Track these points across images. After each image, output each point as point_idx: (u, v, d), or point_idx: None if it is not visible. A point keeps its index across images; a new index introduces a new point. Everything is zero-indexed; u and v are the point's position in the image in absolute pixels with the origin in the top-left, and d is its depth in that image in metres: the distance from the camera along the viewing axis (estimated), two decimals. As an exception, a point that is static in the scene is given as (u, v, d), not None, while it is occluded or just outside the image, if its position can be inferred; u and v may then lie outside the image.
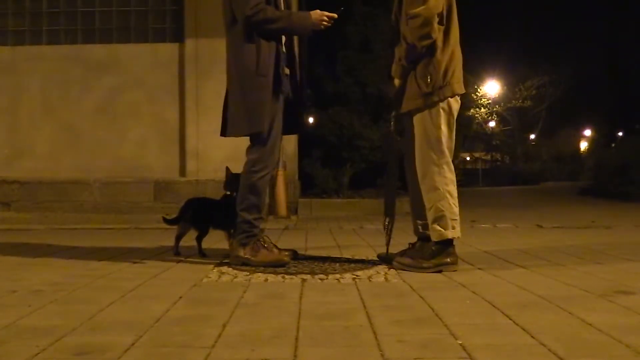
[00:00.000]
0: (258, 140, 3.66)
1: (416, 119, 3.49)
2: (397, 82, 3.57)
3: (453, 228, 3.42)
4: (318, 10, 3.68)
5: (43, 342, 1.99)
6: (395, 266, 3.51)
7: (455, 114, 3.51)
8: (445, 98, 3.43)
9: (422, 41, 3.34)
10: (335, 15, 3.68)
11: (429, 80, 3.39)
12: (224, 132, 3.78)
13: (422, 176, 3.48)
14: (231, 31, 3.67)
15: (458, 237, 3.47)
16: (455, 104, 3.50)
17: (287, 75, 3.78)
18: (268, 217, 4.15)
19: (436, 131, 3.43)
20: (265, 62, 3.59)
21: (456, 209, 3.45)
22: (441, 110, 3.43)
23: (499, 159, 40.65)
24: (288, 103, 3.83)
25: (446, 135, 3.45)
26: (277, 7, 3.65)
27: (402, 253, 3.61)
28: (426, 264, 3.42)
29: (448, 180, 3.44)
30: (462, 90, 3.51)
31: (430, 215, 3.46)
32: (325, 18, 3.66)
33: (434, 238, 3.45)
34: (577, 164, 35.50)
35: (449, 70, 3.42)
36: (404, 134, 3.74)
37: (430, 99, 3.41)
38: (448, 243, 3.45)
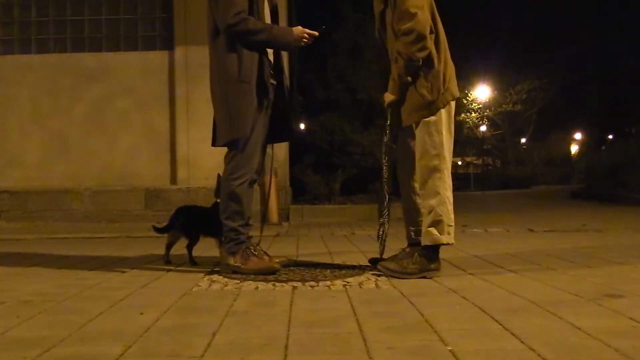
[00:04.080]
0: (235, 148, 3.64)
1: (419, 126, 3.48)
2: (391, 96, 3.54)
3: (448, 234, 3.41)
4: (300, 27, 3.72)
5: (31, 354, 1.98)
6: (380, 270, 3.50)
7: (453, 118, 3.54)
8: (448, 103, 3.45)
9: (419, 53, 3.34)
10: (316, 34, 3.72)
11: (431, 89, 3.40)
12: (213, 142, 3.79)
13: (423, 182, 3.46)
14: (214, 39, 3.66)
15: (451, 244, 3.47)
16: (453, 107, 3.53)
17: (273, 83, 3.76)
18: (260, 225, 4.10)
19: (438, 137, 3.43)
20: (248, 68, 3.58)
21: (452, 216, 3.44)
22: (443, 116, 3.45)
23: (491, 163, 40.72)
24: (277, 111, 3.83)
25: (447, 140, 3.47)
26: (259, 18, 3.64)
27: (392, 258, 3.60)
28: (411, 269, 3.41)
29: (447, 185, 3.43)
30: (458, 93, 3.55)
31: (427, 220, 3.43)
32: (306, 35, 3.68)
33: (427, 242, 3.42)
34: (568, 168, 35.61)
35: (446, 76, 3.45)
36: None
37: (435, 106, 3.42)
38: (436, 250, 3.44)
